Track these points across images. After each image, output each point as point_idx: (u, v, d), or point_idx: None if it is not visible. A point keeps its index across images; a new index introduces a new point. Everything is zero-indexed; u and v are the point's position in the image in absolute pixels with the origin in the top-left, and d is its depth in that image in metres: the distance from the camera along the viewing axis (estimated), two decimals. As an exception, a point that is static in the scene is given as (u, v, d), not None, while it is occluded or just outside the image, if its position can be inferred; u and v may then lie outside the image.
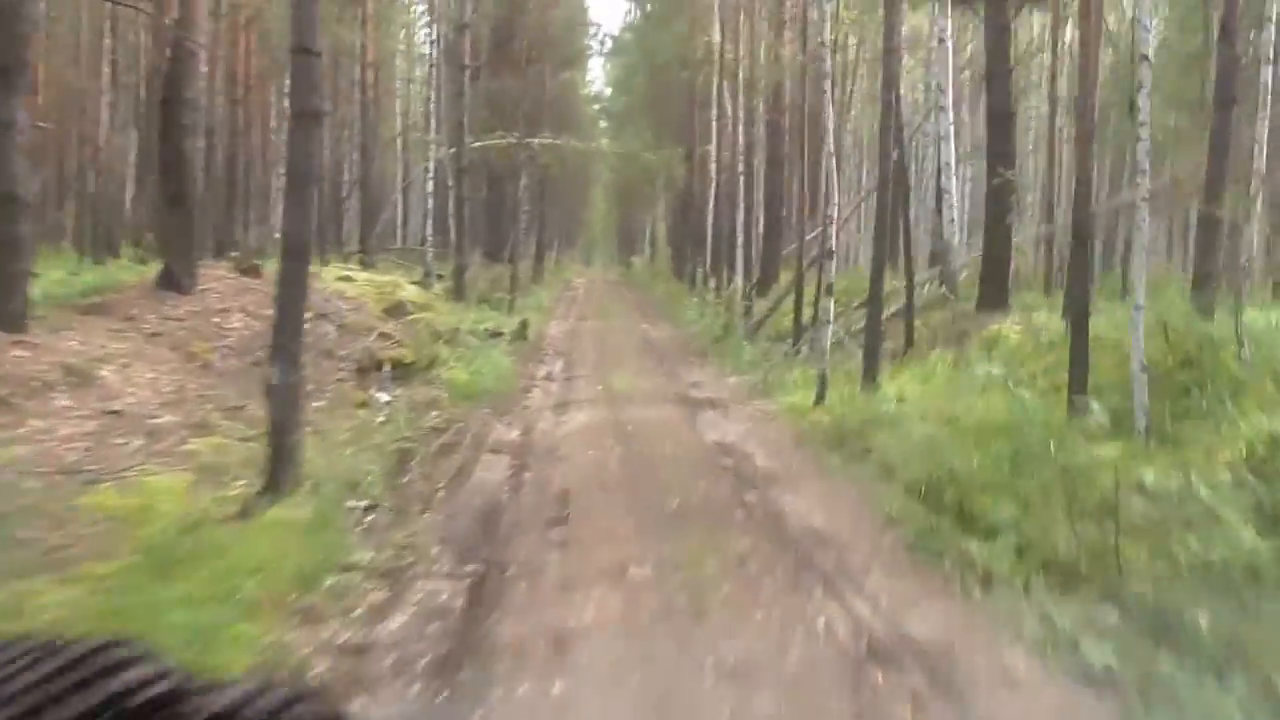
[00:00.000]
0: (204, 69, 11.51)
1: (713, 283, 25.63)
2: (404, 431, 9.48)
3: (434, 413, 10.57)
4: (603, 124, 64.56)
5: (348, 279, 15.39)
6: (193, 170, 10.30)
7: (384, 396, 10.46)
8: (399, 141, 36.84)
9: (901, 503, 7.85)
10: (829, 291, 12.81)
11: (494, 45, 36.51)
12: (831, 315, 12.73)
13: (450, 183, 25.76)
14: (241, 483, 7.14)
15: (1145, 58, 8.82)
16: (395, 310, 14.37)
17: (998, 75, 16.32)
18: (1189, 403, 8.93)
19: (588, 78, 62.63)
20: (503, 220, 37.14)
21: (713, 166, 26.98)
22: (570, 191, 66.71)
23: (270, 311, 11.15)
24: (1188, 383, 9.20)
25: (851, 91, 32.38)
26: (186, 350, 9.46)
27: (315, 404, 9.51)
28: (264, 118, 20.97)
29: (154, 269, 11.20)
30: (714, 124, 26.14)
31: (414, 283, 19.90)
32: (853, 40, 29.32)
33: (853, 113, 34.17)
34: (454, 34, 21.91)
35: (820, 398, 12.12)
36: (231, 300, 10.68)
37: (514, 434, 10.31)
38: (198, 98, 10.62)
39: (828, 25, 14.03)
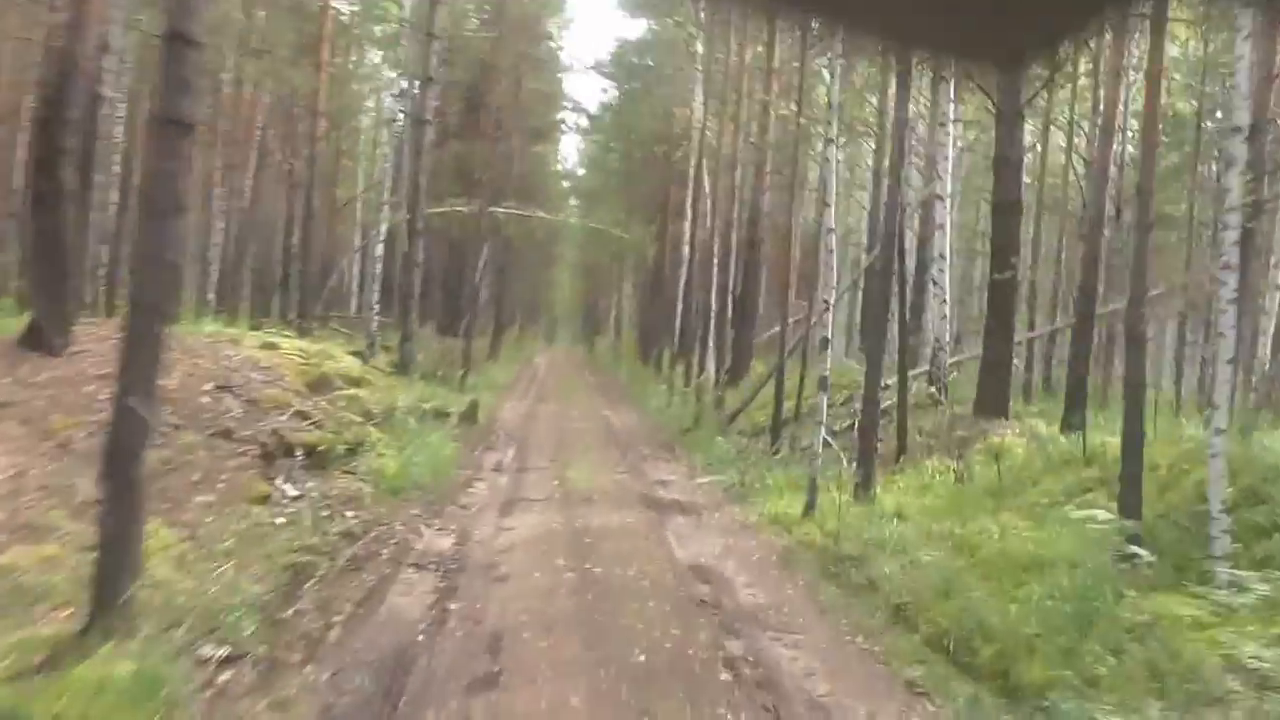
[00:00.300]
0: (104, 89, 9.82)
1: (680, 368, 24.05)
2: (307, 538, 7.68)
3: (350, 512, 8.78)
4: (573, 201, 63.63)
5: (271, 346, 13.61)
6: (67, 206, 8.56)
7: (291, 490, 8.66)
8: (359, 204, 35.32)
9: (926, 664, 6.17)
10: (823, 387, 11.22)
11: (464, 111, 35.35)
12: (825, 413, 11.06)
13: (406, 248, 24.27)
14: (67, 613, 5.35)
15: (1238, 130, 7.40)
16: (320, 384, 12.59)
17: (1008, 164, 15.02)
18: (1270, 547, 7.33)
19: (560, 154, 61.93)
20: (461, 292, 35.58)
21: (686, 247, 25.65)
22: (535, 267, 65.46)
23: (166, 382, 9.45)
24: (1264, 524, 7.61)
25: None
26: (42, 426, 7.65)
27: (201, 498, 7.71)
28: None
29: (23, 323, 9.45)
30: (689, 202, 24.86)
31: (353, 353, 18.11)
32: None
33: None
34: (416, 89, 20.38)
35: (810, 508, 10.46)
36: (113, 365, 8.88)
37: (445, 543, 8.52)
38: (86, 119, 8.97)
39: (836, 86, 12.61)
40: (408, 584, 7.11)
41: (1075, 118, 25.20)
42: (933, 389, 16.22)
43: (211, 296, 26.21)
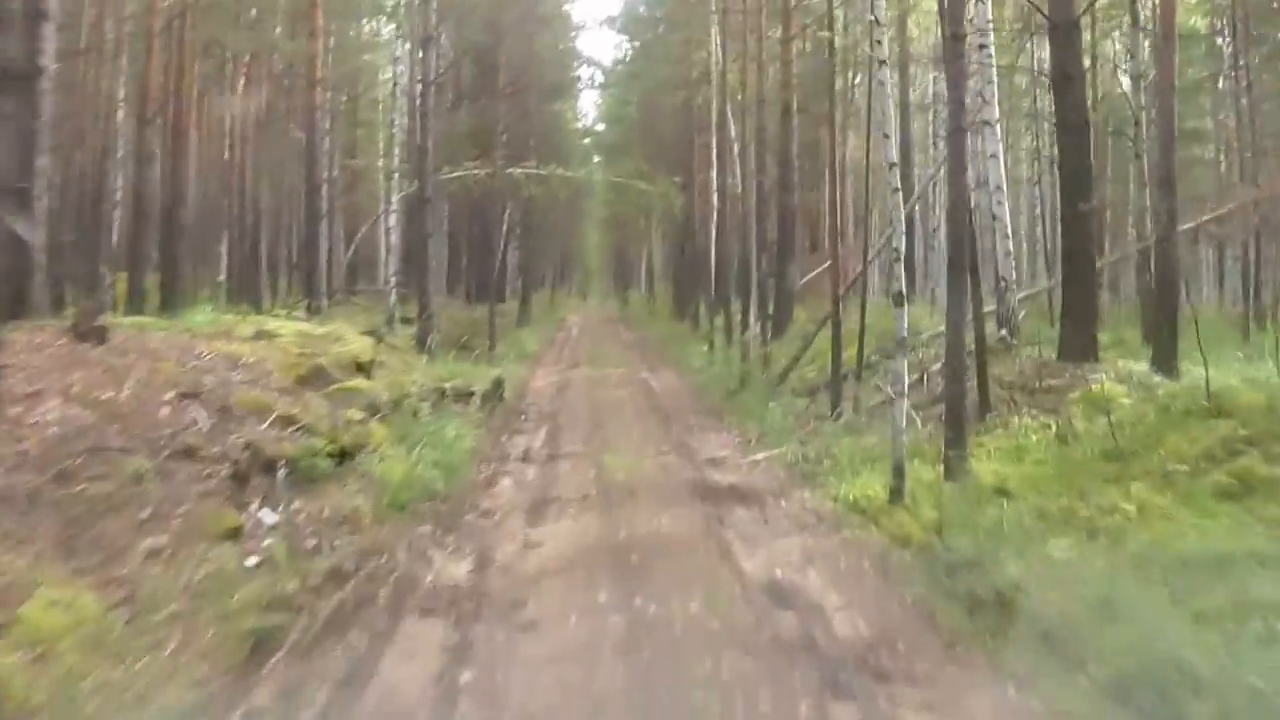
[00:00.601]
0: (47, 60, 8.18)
1: (720, 321, 22.26)
2: (283, 583, 6.10)
3: (342, 539, 7.21)
4: (596, 159, 61.65)
5: (265, 335, 12.06)
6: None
7: (268, 517, 7.07)
8: (381, 175, 33.75)
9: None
10: (903, 347, 9.40)
11: (477, 74, 33.52)
12: (905, 382, 9.30)
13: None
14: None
15: None
16: (314, 378, 10.97)
17: (1070, 79, 13.08)
18: None
19: (579, 110, 59.88)
20: (487, 258, 34.01)
21: (714, 196, 23.82)
22: (563, 226, 63.77)
23: (115, 393, 7.90)
24: None
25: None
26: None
27: (148, 542, 6.13)
28: (182, 144, 17.76)
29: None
30: (714, 148, 23.00)
31: (367, 332, 16.54)
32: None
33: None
34: (418, 48, 18.63)
35: (898, 493, 8.76)
36: (50, 378, 7.30)
37: (460, 571, 6.93)
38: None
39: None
40: (408, 645, 5.51)
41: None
42: (1003, 333, 14.41)
43: (222, 279, 24.80)
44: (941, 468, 9.29)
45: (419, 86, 19.17)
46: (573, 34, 40.84)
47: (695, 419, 14.84)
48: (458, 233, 34.32)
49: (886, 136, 10.72)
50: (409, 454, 10.51)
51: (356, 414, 10.98)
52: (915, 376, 13.79)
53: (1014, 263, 15.90)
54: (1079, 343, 12.55)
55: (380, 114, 34.96)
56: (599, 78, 45.31)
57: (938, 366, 13.91)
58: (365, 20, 31.54)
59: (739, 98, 20.53)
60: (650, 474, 10.76)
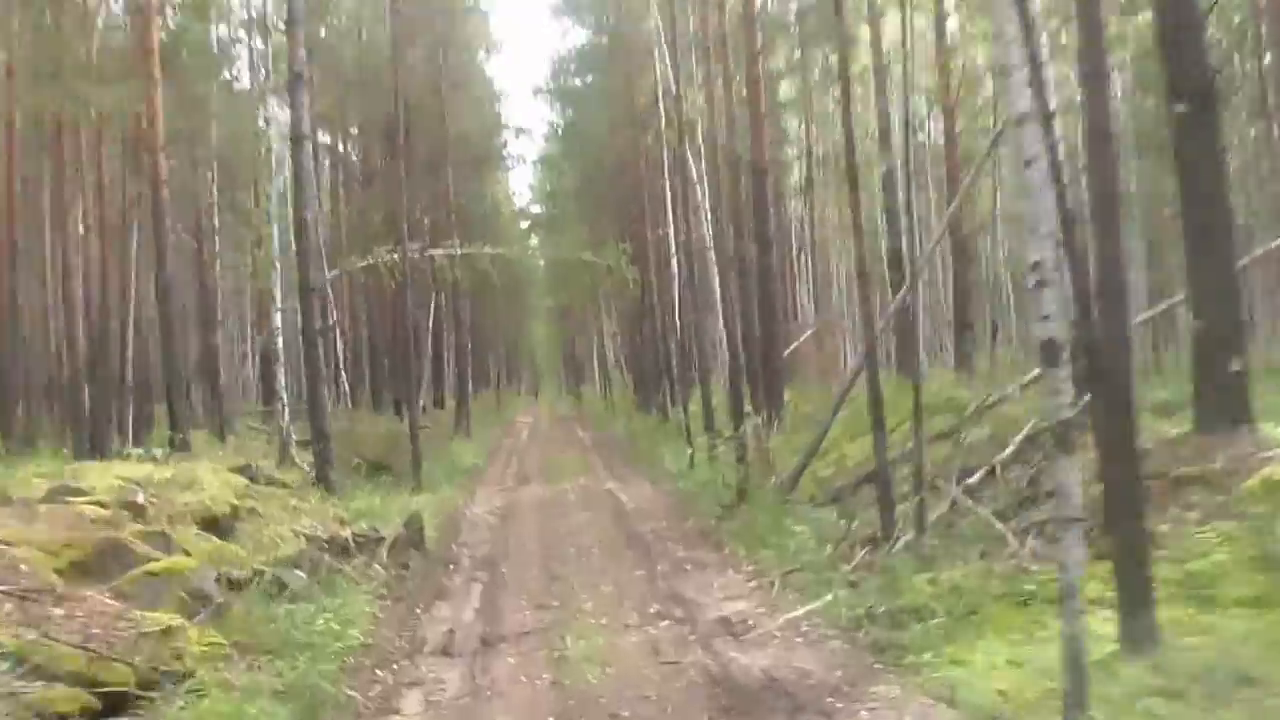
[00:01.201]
0: None
1: (696, 410, 18.38)
2: None
3: None
4: (534, 241, 58.46)
5: (65, 493, 8.17)
6: None
7: None
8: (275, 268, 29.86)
9: None
10: (1068, 433, 5.47)
11: (387, 151, 30.03)
12: (1077, 490, 5.36)
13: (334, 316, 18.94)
14: None
15: None
16: (100, 562, 7.05)
17: (1185, 32, 9.36)
18: None
19: (512, 190, 56.66)
20: (411, 360, 30.09)
21: (675, 255, 20.22)
22: (507, 321, 60.06)
23: None
24: None
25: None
26: None
27: None
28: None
29: None
30: (668, 195, 19.47)
31: (238, 470, 12.51)
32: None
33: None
34: (288, 88, 14.85)
35: (1075, 703, 4.89)
36: None
37: None
38: None
39: None
40: None
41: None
42: (1086, 398, 10.65)
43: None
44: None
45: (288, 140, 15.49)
46: (496, 102, 37.56)
47: (686, 550, 10.89)
48: (376, 333, 30.54)
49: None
50: (248, 673, 6.54)
51: (167, 615, 6.99)
52: (986, 469, 10.08)
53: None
54: (1223, 402, 8.83)
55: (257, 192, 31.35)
56: (530, 153, 42.26)
57: (1010, 451, 10.19)
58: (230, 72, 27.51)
59: (698, 133, 17.01)
60: (639, 665, 6.85)
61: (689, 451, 17.03)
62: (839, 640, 7.23)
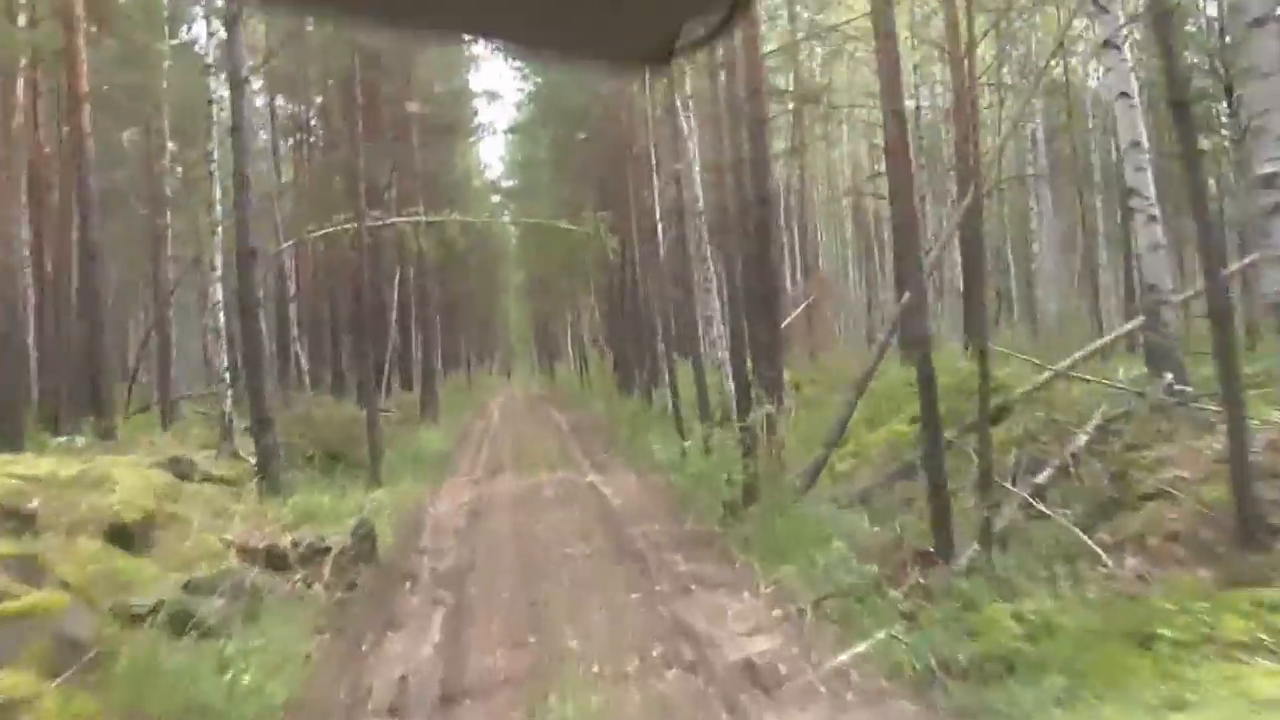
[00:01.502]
0: None
1: (690, 395, 16.61)
2: None
3: None
4: (506, 217, 56.39)
5: None
6: None
7: None
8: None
9: None
10: None
11: (349, 112, 28.01)
12: None
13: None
14: None
15: None
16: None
17: None
18: None
19: (482, 162, 54.66)
20: (374, 340, 28.15)
21: (659, 225, 18.49)
22: (479, 299, 58.02)
23: None
24: None
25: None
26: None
27: None
28: None
29: None
30: (652, 155, 17.71)
31: (167, 465, 10.69)
32: None
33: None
34: (225, 26, 12.92)
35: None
36: None
37: None
38: None
39: None
40: None
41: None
42: (1167, 378, 9.00)
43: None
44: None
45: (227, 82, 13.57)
46: (466, 70, 35.50)
47: (689, 562, 9.16)
48: (339, 310, 28.57)
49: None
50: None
51: (17, 678, 5.27)
52: (1047, 472, 8.42)
53: (1167, 259, 10.52)
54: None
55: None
56: (502, 122, 40.23)
57: (1082, 442, 8.53)
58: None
59: (686, 82, 15.21)
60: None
61: (682, 440, 15.31)
62: (906, 699, 5.57)
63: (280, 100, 33.11)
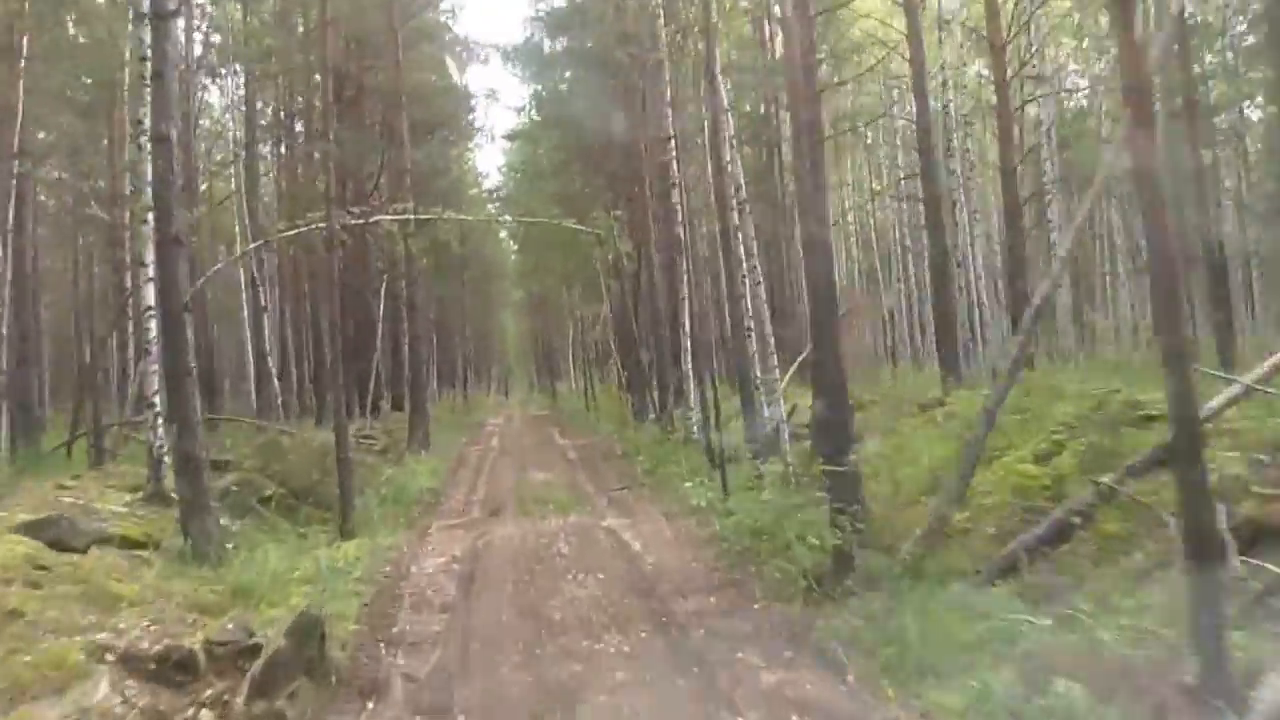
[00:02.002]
0: None
1: (737, 423, 13.77)
2: None
3: None
4: (504, 235, 53.81)
5: None
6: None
7: None
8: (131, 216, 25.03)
9: None
10: None
11: (335, 103, 25.34)
12: None
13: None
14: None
15: None
16: None
17: None
18: None
19: (481, 173, 51.94)
20: (364, 353, 25.38)
21: (680, 226, 15.78)
22: (476, 314, 55.37)
23: None
24: None
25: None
26: None
27: None
28: None
29: None
30: (673, 145, 15.01)
31: (29, 526, 7.88)
32: None
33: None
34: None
35: None
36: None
37: None
38: None
39: None
40: None
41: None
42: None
43: None
44: None
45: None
46: (463, 68, 32.86)
47: (775, 671, 6.29)
48: (321, 324, 25.86)
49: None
50: None
51: None
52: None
53: None
54: None
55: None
56: (501, 126, 37.67)
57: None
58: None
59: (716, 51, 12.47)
60: None
61: (717, 475, 12.50)
62: None
63: (261, 103, 30.59)
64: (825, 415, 8.12)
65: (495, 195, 45.29)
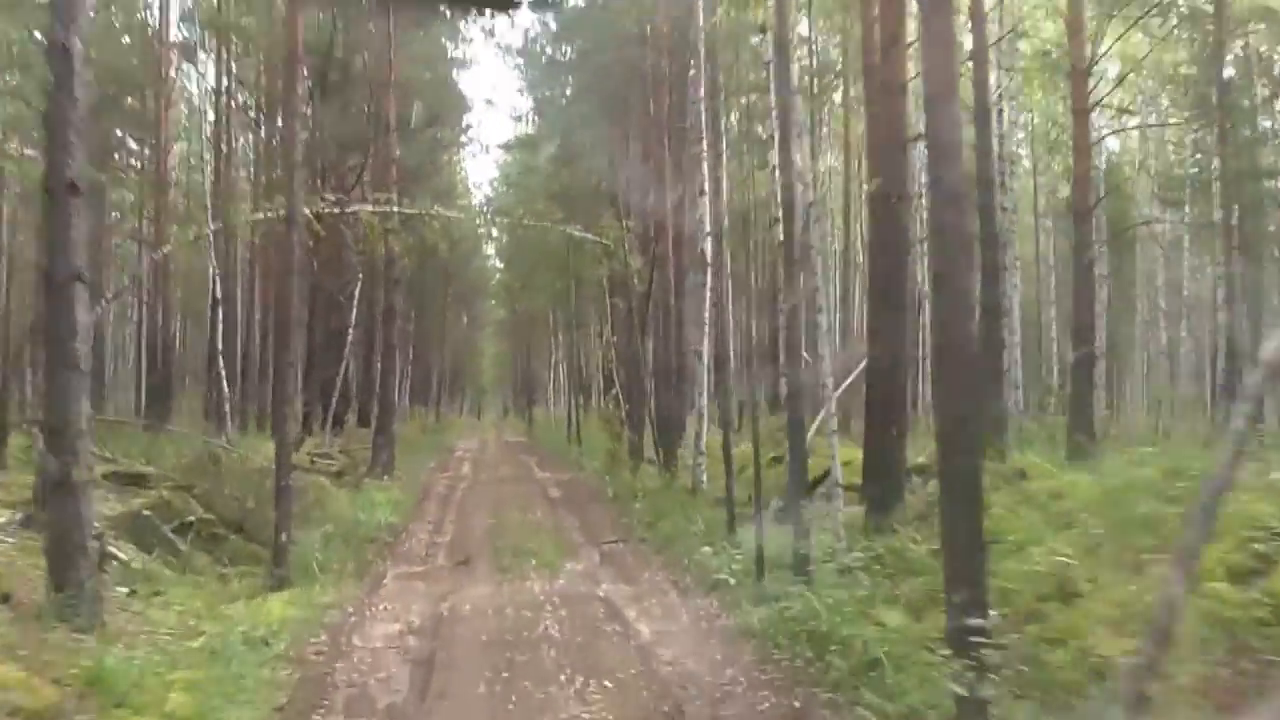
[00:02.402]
0: None
1: (784, 469, 11.31)
2: None
3: None
4: (493, 256, 51.63)
5: None
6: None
7: None
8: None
9: None
10: None
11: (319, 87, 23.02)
12: None
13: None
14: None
15: None
16: None
17: None
18: None
19: (473, 183, 49.72)
20: (330, 363, 22.94)
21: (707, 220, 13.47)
22: (455, 333, 52.97)
23: None
24: None
25: None
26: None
27: None
28: None
29: None
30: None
31: None
32: None
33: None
34: None
35: None
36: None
37: None
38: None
39: None
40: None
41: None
42: None
43: None
44: None
45: None
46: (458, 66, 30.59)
47: None
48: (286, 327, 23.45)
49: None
50: None
51: None
52: None
53: None
54: None
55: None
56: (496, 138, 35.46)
57: None
58: None
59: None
60: None
61: (740, 539, 10.11)
62: None
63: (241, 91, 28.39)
64: (955, 478, 5.72)
65: (486, 208, 42.96)
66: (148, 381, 28.66)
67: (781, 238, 10.13)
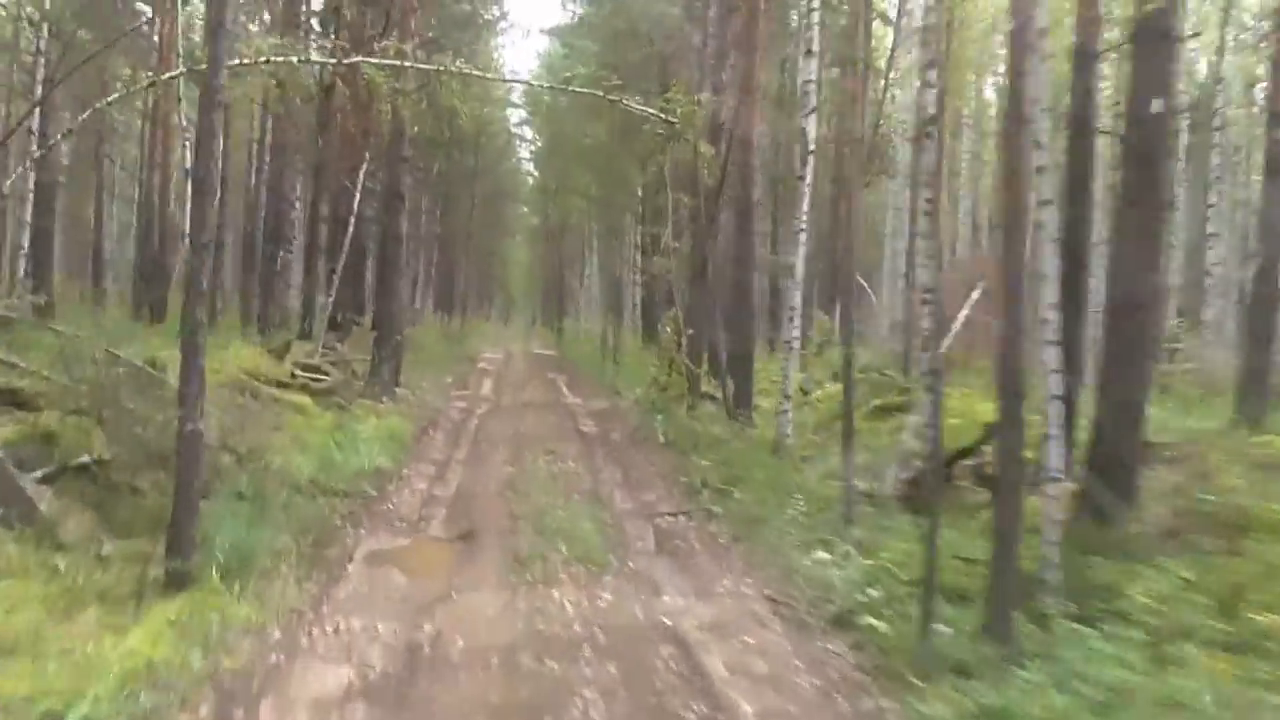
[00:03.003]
0: None
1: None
2: None
3: None
4: (526, 155, 48.17)
5: None
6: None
7: None
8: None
9: None
10: None
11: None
12: None
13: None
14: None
15: None
16: None
17: None
18: None
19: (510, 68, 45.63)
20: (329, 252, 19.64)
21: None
22: (485, 234, 49.39)
23: None
24: None
25: None
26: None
27: None
28: None
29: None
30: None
31: None
32: None
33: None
34: None
35: None
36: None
37: None
38: None
39: None
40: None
41: None
42: None
43: None
44: None
45: None
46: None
47: None
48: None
49: None
50: None
51: None
52: None
53: None
54: None
55: None
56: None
57: None
58: None
59: None
60: None
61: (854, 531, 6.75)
62: None
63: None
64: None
65: (523, 96, 38.89)
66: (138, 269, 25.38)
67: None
